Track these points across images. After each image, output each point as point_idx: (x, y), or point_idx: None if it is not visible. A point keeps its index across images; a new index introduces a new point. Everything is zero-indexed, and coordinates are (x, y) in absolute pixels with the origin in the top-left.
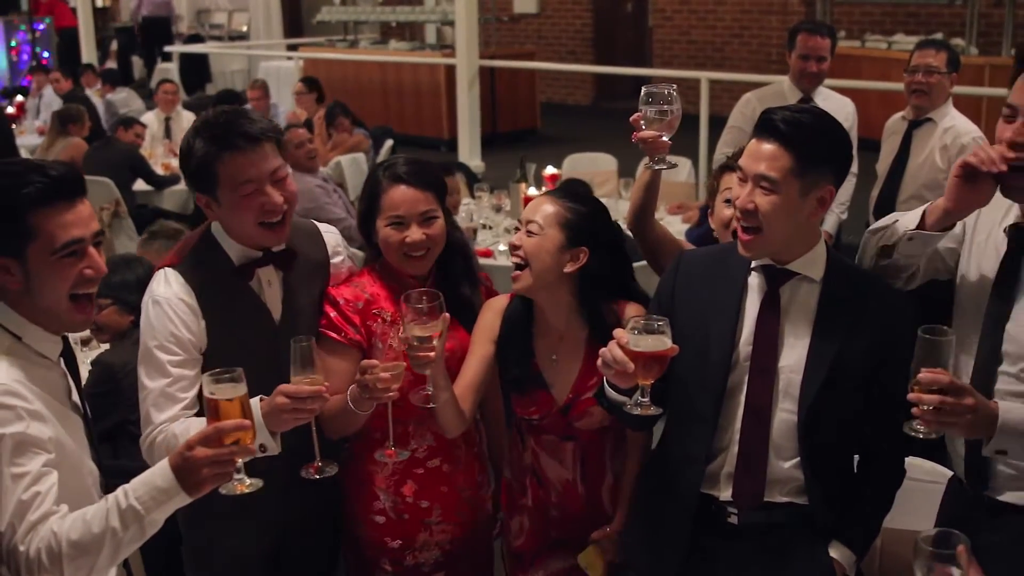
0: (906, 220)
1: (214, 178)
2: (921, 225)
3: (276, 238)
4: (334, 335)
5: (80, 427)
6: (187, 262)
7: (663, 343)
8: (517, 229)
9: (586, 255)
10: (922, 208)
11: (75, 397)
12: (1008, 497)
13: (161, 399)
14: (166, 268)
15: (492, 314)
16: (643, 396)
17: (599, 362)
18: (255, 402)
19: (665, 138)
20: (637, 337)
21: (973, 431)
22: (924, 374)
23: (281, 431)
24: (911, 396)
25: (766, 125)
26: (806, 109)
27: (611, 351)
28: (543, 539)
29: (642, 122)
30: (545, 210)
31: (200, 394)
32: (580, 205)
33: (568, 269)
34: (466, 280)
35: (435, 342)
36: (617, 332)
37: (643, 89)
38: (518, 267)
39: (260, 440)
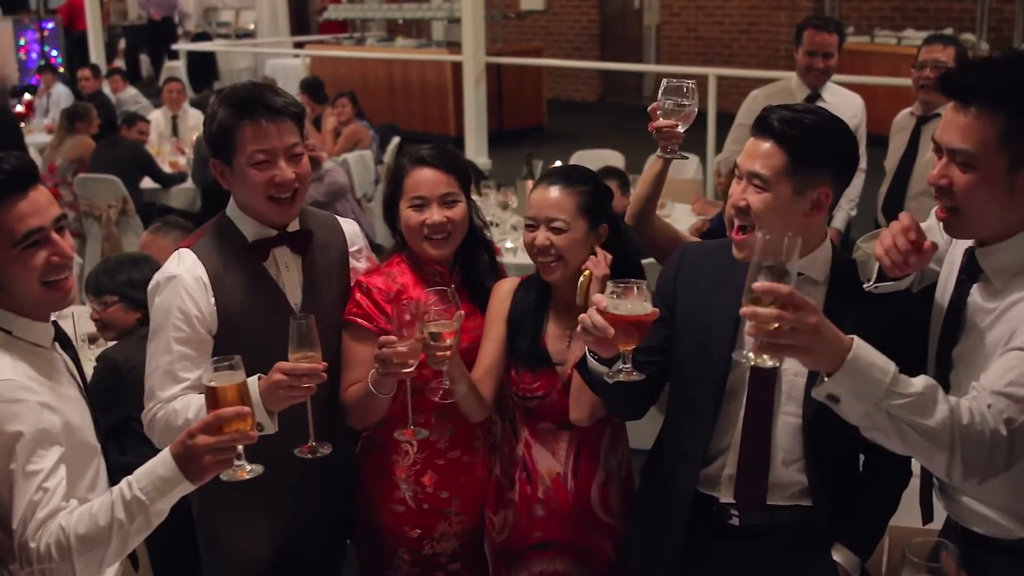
0: (868, 266)
1: (232, 144)
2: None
3: (285, 215)
4: (366, 323)
5: (84, 407)
6: (202, 242)
7: (643, 307)
8: (530, 227)
9: (606, 230)
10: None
11: (77, 378)
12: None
13: (165, 377)
14: (180, 249)
15: (503, 294)
16: (625, 362)
17: (579, 329)
18: (252, 381)
19: (680, 129)
20: (616, 301)
21: (817, 360)
22: (759, 283)
23: (277, 410)
24: (743, 310)
25: (763, 123)
26: (807, 108)
27: (590, 316)
28: (526, 537)
29: (659, 111)
30: (564, 204)
31: None
32: (587, 185)
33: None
34: (491, 274)
35: (449, 341)
36: (596, 297)
37: (663, 81)
38: (550, 262)
39: (257, 419)
